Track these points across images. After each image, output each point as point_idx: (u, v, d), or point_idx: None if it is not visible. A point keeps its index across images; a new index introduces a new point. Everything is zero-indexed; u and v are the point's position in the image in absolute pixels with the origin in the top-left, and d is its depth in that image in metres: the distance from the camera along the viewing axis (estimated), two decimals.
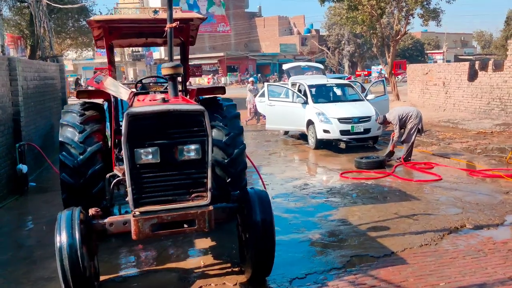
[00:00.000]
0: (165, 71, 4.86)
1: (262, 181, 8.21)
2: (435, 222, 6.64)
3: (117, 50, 62.52)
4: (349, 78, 22.04)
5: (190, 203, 4.23)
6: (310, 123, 13.19)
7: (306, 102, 13.56)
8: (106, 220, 4.43)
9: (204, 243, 6.14)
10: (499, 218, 6.80)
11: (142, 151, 4.08)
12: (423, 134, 11.01)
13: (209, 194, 4.28)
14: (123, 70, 67.20)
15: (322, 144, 12.99)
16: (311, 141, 13.23)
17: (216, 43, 64.80)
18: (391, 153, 11.06)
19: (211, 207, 4.25)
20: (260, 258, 4.59)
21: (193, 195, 4.25)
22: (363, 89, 15.52)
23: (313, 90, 13.99)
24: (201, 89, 6.98)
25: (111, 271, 5.33)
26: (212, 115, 6.41)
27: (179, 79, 5.21)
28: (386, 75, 24.06)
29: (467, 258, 5.40)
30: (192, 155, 4.19)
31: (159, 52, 63.65)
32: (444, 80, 18.86)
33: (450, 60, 54.37)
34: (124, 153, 4.07)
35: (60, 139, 5.64)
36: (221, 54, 58.90)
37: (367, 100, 13.92)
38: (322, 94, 14.26)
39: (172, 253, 5.86)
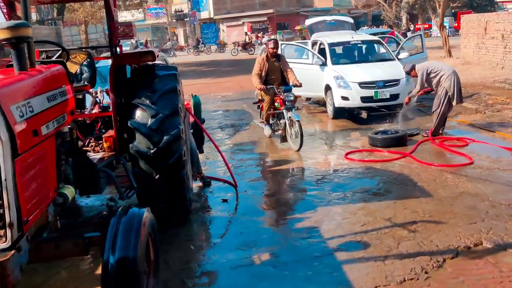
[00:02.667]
0: (1, 34, 3.30)
1: (231, 173, 6.57)
2: (439, 237, 4.72)
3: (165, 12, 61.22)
4: (391, 34, 19.27)
5: None
6: (328, 88, 11.22)
7: (324, 64, 11.55)
8: None
9: None
10: None
11: None
12: (455, 103, 8.68)
13: (9, 233, 2.70)
14: (173, 30, 66.40)
15: (345, 113, 11.02)
16: (329, 109, 11.31)
17: None
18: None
19: (8, 255, 2.67)
20: None
21: None
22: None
23: (334, 49, 11.93)
24: (126, 54, 5.41)
25: None
26: (139, 90, 4.98)
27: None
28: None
29: None
30: None
31: (208, 11, 61.73)
32: (503, 32, 15.92)
33: None
34: None
35: None
36: (271, 11, 56.13)
37: (398, 59, 11.66)
38: (345, 53, 12.12)
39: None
